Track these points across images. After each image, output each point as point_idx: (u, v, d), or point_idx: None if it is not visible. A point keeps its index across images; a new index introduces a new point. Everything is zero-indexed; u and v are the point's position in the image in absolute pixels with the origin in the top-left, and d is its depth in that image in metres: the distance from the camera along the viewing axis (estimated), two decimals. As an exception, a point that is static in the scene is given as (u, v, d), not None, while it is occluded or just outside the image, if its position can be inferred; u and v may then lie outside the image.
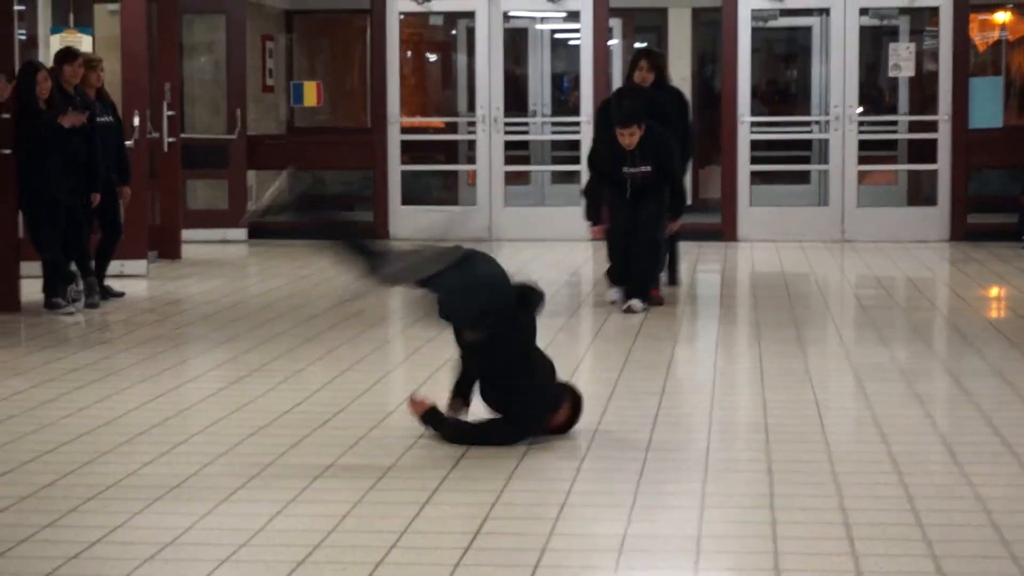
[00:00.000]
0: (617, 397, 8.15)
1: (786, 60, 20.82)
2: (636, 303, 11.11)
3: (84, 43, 14.07)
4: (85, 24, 14.69)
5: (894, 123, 17.76)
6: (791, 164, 17.80)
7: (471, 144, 17.24)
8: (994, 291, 12.65)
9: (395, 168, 16.81)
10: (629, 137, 11.02)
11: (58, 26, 14.41)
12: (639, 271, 11.26)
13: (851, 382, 8.60)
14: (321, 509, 5.92)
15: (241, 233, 16.57)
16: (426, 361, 9.24)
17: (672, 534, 5.68)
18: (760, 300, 12.05)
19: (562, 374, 8.73)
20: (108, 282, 12.11)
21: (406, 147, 17.02)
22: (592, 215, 11.42)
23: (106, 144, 11.87)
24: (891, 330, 10.49)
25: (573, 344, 9.80)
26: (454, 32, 19.88)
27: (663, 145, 11.17)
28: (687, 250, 15.29)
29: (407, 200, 16.93)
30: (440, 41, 20.79)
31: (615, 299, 11.34)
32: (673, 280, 12.70)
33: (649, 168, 11.10)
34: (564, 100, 19.62)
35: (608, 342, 10.01)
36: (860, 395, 8.18)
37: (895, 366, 9.06)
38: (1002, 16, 18.71)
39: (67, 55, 11.76)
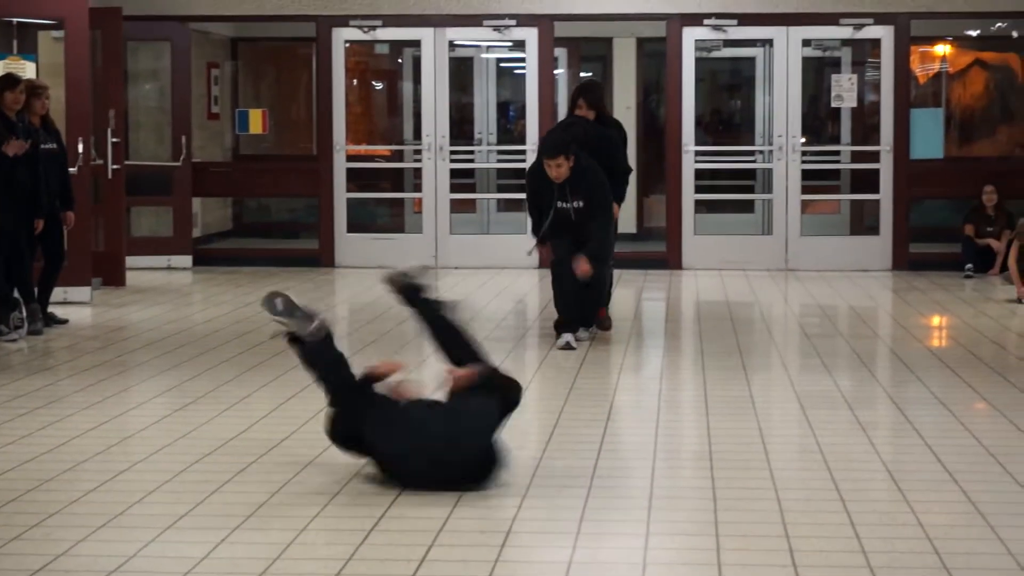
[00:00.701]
0: (562, 425, 8.15)
1: (730, 90, 20.93)
2: (582, 332, 11.10)
3: (28, 70, 14.00)
4: (29, 51, 14.61)
5: (837, 153, 17.90)
6: (735, 193, 17.90)
7: (417, 172, 17.25)
8: (936, 320, 12.74)
9: (341, 196, 16.80)
10: (556, 169, 10.72)
11: (1, 52, 14.33)
12: (589, 308, 11.21)
13: (795, 410, 8.64)
14: (266, 537, 5.89)
15: (185, 260, 16.52)
16: (371, 389, 9.20)
17: (617, 561, 5.69)
18: (705, 328, 12.10)
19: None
20: (51, 309, 12.04)
21: (352, 175, 17.02)
22: (538, 230, 11.11)
23: (50, 171, 11.82)
24: (834, 358, 10.54)
25: (518, 373, 9.77)
26: (400, 60, 19.90)
27: (594, 177, 10.91)
28: (632, 279, 15.38)
29: (352, 228, 16.91)
30: (386, 69, 20.81)
31: (571, 343, 10.78)
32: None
33: (582, 204, 10.85)
34: (510, 128, 19.66)
35: (553, 370, 10.02)
36: (804, 423, 8.22)
37: (839, 394, 9.11)
38: (942, 48, 18.91)
39: (8, 81, 11.69)
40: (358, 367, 9.93)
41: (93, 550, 5.71)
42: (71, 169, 12.57)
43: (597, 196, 10.91)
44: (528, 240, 11.66)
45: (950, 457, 7.27)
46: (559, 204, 10.87)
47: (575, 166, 10.80)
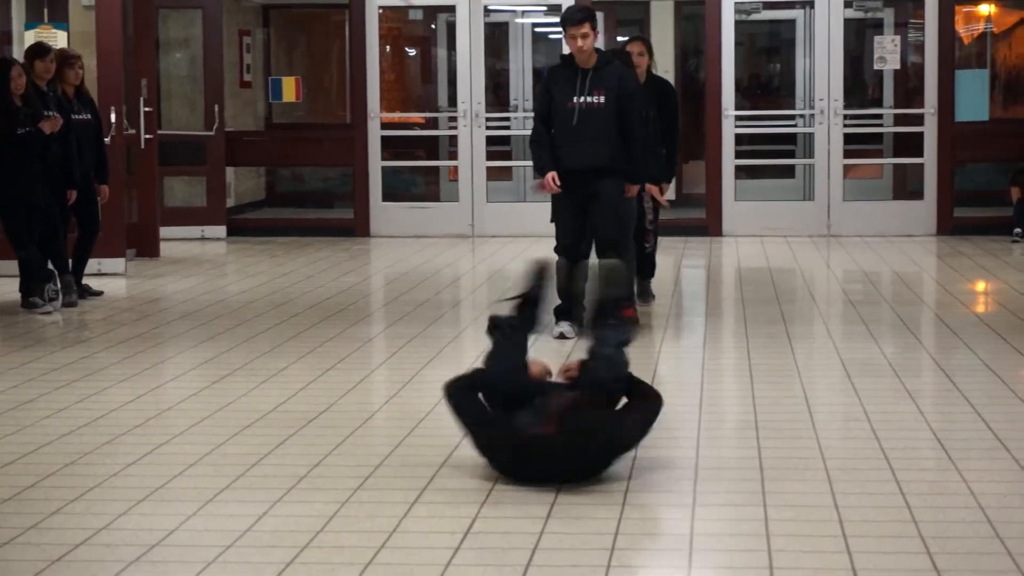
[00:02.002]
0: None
1: (769, 53, 20.83)
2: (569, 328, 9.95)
3: (59, 39, 14.02)
4: (60, 19, 14.62)
5: (879, 117, 17.80)
6: (776, 159, 17.82)
7: (452, 140, 17.23)
8: (982, 285, 12.67)
9: (375, 164, 16.79)
10: (583, 40, 9.53)
11: (32, 21, 14.35)
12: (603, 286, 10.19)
13: (840, 378, 8.61)
14: (308, 509, 5.91)
15: (219, 231, 16.55)
16: (409, 360, 9.23)
17: (664, 532, 5.68)
18: (746, 296, 12.06)
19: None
20: (86, 281, 12.08)
21: (386, 143, 17.01)
22: (543, 163, 9.87)
23: (84, 142, 11.84)
24: (879, 325, 10.50)
25: (556, 343, 9.78)
26: (433, 26, 19.86)
27: (627, 81, 9.78)
28: (671, 246, 15.34)
29: (387, 197, 16.91)
30: (419, 36, 20.76)
31: (565, 333, 9.90)
32: (644, 294, 11.42)
33: (603, 99, 9.63)
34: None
35: (574, 337, 9.95)
36: (850, 391, 8.19)
37: (884, 361, 9.07)
38: (987, 8, 18.75)
39: (38, 51, 11.73)
40: (395, 336, 9.99)
41: (135, 524, 5.74)
42: (105, 139, 12.59)
43: (625, 88, 9.70)
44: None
45: (1000, 424, 7.24)
46: (578, 99, 9.66)
47: (601, 57, 9.76)
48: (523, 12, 18.72)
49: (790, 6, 17.91)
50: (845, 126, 16.36)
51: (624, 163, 9.82)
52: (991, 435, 7.05)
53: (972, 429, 7.20)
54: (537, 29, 19.64)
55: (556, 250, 10.00)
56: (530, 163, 18.11)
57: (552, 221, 10.04)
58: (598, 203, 9.78)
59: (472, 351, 9.66)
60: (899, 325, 10.51)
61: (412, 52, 20.92)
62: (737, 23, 16.55)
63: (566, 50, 9.89)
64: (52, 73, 11.69)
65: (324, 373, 8.79)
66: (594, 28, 9.67)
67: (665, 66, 18.49)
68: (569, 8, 10.11)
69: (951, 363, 9.02)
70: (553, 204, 9.97)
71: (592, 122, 9.66)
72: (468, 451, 6.68)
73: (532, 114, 18.31)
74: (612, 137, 9.70)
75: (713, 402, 8.03)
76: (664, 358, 9.35)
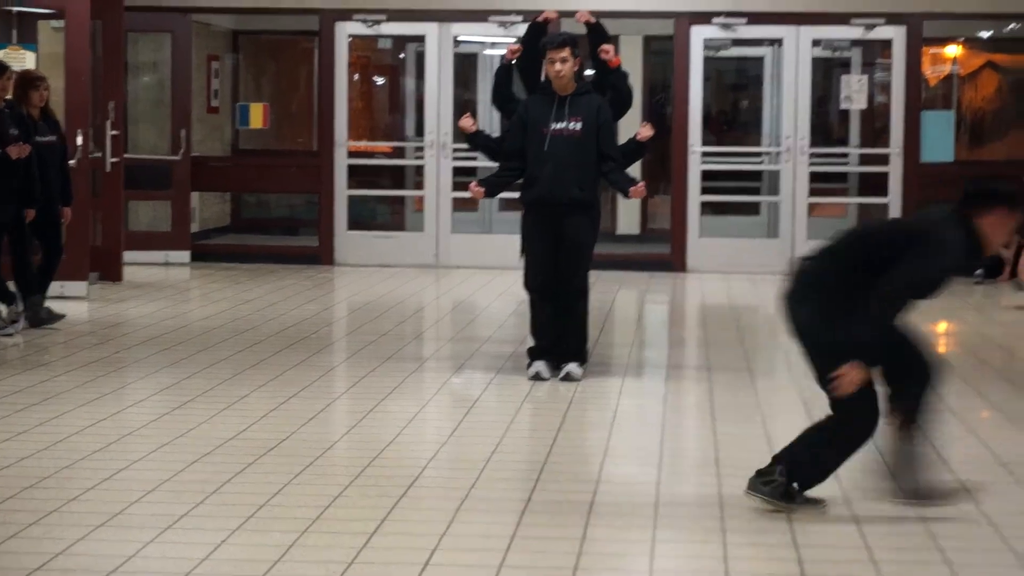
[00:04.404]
0: (566, 429, 8.16)
1: (736, 90, 20.93)
2: (574, 368, 9.66)
3: (28, 60, 13.98)
4: (29, 40, 14.60)
5: (845, 156, 17.89)
6: (741, 195, 17.89)
7: (418, 169, 17.24)
8: (945, 326, 12.74)
9: (341, 192, 16.79)
10: (561, 64, 9.47)
11: (1, 42, 14.32)
12: (571, 328, 9.69)
13: (802, 416, 8.62)
14: (267, 539, 5.90)
15: (183, 256, 16.51)
16: (370, 390, 9.23)
17: (624, 568, 5.69)
18: (710, 333, 12.10)
19: (508, 406, 8.77)
20: (48, 304, 12.01)
21: (352, 171, 17.01)
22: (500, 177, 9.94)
23: (49, 163, 11.80)
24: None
25: (519, 379, 9.78)
26: (402, 56, 19.89)
27: (604, 114, 9.60)
28: (635, 281, 15.38)
29: (353, 225, 16.91)
30: (388, 65, 20.79)
31: (540, 372, 9.64)
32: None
33: (579, 127, 9.50)
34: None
35: (550, 378, 9.96)
36: (811, 429, 8.21)
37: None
38: (953, 50, 18.91)
39: None
40: (358, 366, 9.98)
41: (92, 549, 5.72)
42: (70, 162, 12.55)
43: (606, 132, 9.58)
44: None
45: (960, 465, 7.28)
46: (554, 126, 9.55)
47: (581, 82, 9.68)
48: (492, 44, 18.76)
49: (758, 44, 18.00)
50: (811, 164, 16.45)
51: (595, 196, 9.76)
52: (951, 475, 7.08)
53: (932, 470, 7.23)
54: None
55: (526, 286, 9.87)
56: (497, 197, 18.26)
57: (522, 255, 9.92)
58: (565, 243, 9.64)
59: (433, 383, 9.68)
60: (861, 364, 10.53)
61: (380, 81, 20.95)
62: (705, 59, 16.63)
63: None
64: (8, 92, 11.65)
65: (286, 401, 8.78)
66: (575, 55, 9.56)
67: (633, 102, 18.52)
68: (552, 33, 10.13)
69: (912, 403, 9.04)
70: (523, 238, 9.90)
71: (566, 150, 9.53)
72: (428, 483, 6.69)
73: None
74: (586, 168, 9.59)
75: (675, 439, 8.06)
76: (626, 393, 9.36)
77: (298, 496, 6.59)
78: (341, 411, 8.82)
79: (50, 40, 15.08)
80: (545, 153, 9.57)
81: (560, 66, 9.53)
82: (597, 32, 10.43)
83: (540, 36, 10.29)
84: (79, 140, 13.33)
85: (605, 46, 10.13)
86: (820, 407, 8.77)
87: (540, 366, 9.67)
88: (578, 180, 9.56)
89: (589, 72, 10.28)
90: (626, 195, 9.76)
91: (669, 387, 9.57)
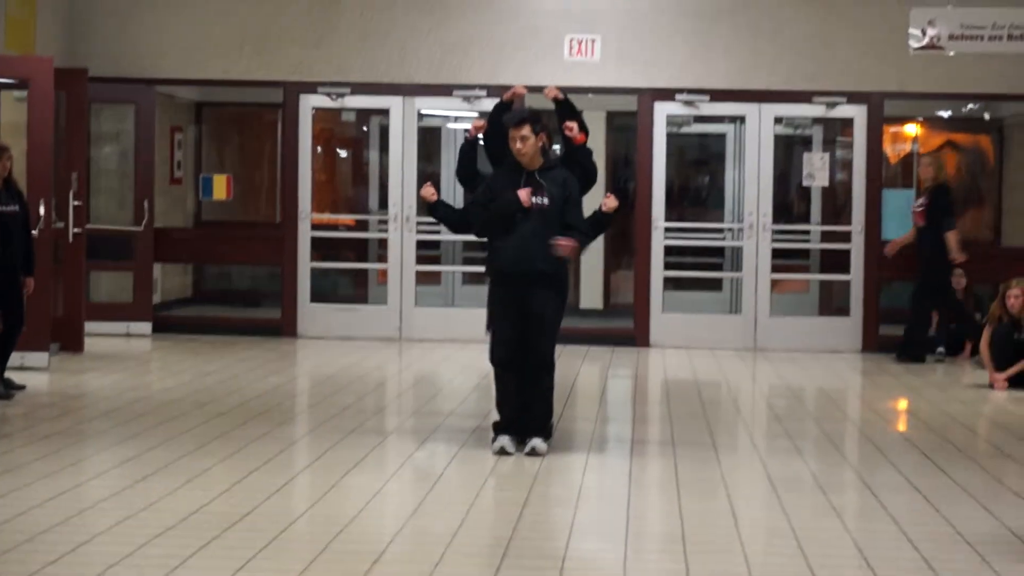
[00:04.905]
0: (531, 504, 8.14)
1: (699, 166, 21.05)
2: (539, 443, 9.60)
3: (-10, 129, 13.99)
4: (-9, 110, 14.62)
5: (807, 232, 17.99)
6: (703, 271, 17.95)
7: (382, 242, 17.26)
8: (907, 403, 12.79)
9: (305, 265, 16.78)
10: (523, 142, 9.50)
11: (-36, 111, 14.33)
12: (536, 403, 9.66)
13: (766, 492, 8.65)
14: (231, 614, 5.85)
15: (145, 327, 16.44)
16: (333, 464, 9.19)
17: (590, 646, 5.67)
18: (673, 408, 12.10)
19: (472, 482, 8.75)
20: (8, 374, 11.94)
21: (315, 244, 17.01)
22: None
23: (12, 233, 11.77)
24: (804, 441, 10.57)
25: (481, 454, 9.75)
26: (366, 128, 19.95)
27: (570, 186, 9.65)
28: (598, 356, 15.40)
29: (316, 298, 16.89)
30: (352, 137, 20.85)
31: (505, 447, 9.61)
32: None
33: (546, 200, 9.54)
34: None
35: (515, 453, 9.95)
36: (775, 506, 8.23)
37: (810, 477, 9.13)
38: (913, 129, 19.09)
39: None
40: (321, 439, 9.93)
41: (54, 625, 5.66)
42: (33, 231, 12.51)
43: (572, 206, 9.62)
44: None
45: (925, 544, 7.29)
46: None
47: (548, 157, 9.72)
48: (455, 118, 18.85)
49: (721, 120, 18.14)
50: (773, 241, 16.54)
51: (562, 270, 9.76)
52: (916, 554, 7.09)
53: (896, 547, 7.25)
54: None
55: (491, 360, 9.85)
56: (460, 267, 18.33)
57: (488, 328, 9.90)
58: (531, 316, 9.64)
59: (397, 458, 9.65)
60: (824, 441, 10.58)
61: (344, 153, 21.00)
62: (668, 135, 16.74)
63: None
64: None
65: (248, 475, 8.73)
66: (535, 131, 9.56)
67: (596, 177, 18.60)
68: (512, 110, 10.14)
69: (876, 480, 9.08)
70: (489, 310, 9.89)
71: (532, 223, 9.54)
72: (392, 559, 6.65)
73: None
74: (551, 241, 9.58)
75: (640, 515, 8.04)
76: (590, 469, 9.35)
77: (262, 572, 6.55)
78: (304, 485, 8.76)
79: (12, 109, 15.07)
80: (512, 226, 9.59)
81: (520, 144, 9.57)
82: (565, 107, 10.51)
83: (505, 113, 10.37)
84: (42, 210, 13.31)
85: (569, 123, 10.21)
86: (785, 483, 8.80)
87: (505, 440, 9.65)
88: (544, 253, 9.55)
89: (557, 146, 10.34)
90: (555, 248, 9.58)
91: (634, 462, 9.55)
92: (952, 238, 15.53)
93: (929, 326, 15.69)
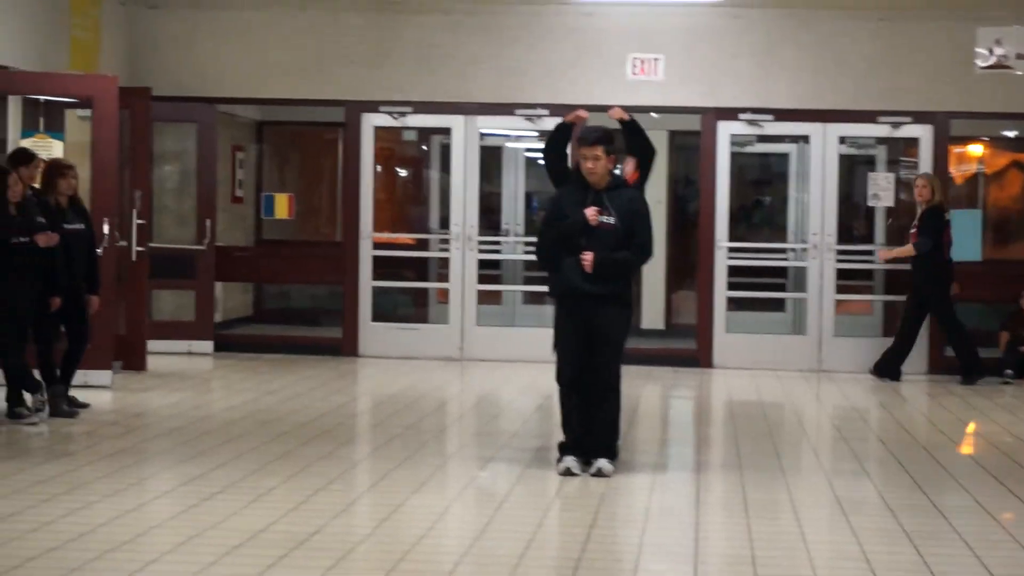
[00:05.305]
0: (598, 525, 8.09)
1: (760, 185, 20.97)
2: (605, 464, 9.56)
3: (55, 148, 14.07)
4: (56, 129, 14.70)
5: (870, 252, 17.83)
6: (767, 291, 17.84)
7: (443, 262, 17.25)
8: (974, 426, 12.66)
9: (366, 284, 16.79)
10: (594, 162, 9.45)
11: (29, 130, 14.42)
12: (601, 424, 9.64)
13: (835, 515, 8.57)
14: (300, 634, 5.84)
15: (206, 346, 16.49)
16: (396, 485, 9.17)
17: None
18: (739, 429, 12.02)
19: (537, 503, 8.73)
20: (72, 392, 11.99)
21: (376, 263, 16.99)
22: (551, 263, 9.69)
23: (77, 252, 11.83)
24: (872, 463, 10.48)
25: (545, 476, 9.69)
26: (426, 148, 19.98)
27: (637, 204, 9.67)
28: (661, 376, 15.33)
29: (376, 317, 16.89)
30: (412, 156, 20.88)
31: (570, 468, 9.56)
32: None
33: (613, 220, 9.50)
34: (535, 220, 19.70)
35: (580, 474, 9.89)
36: (845, 529, 8.15)
37: (878, 499, 9.04)
38: (979, 149, 18.94)
39: (21, 157, 11.82)
40: (384, 459, 9.91)
41: (123, 644, 5.66)
42: (98, 250, 12.58)
43: (639, 219, 9.59)
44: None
45: (1001, 569, 7.19)
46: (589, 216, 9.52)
47: (614, 176, 9.69)
48: (516, 137, 18.85)
49: (784, 140, 18.05)
50: (838, 261, 16.42)
51: (627, 290, 9.76)
52: (990, 579, 7.02)
53: (971, 571, 7.16)
54: (529, 154, 19.77)
55: (558, 380, 9.81)
56: (520, 287, 18.30)
57: (555, 348, 9.84)
58: (597, 337, 9.60)
59: (460, 479, 9.62)
60: (892, 463, 10.49)
61: (404, 173, 21.03)
62: (731, 154, 16.66)
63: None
64: (35, 180, 11.75)
65: (312, 495, 8.72)
66: (608, 153, 9.50)
67: (658, 196, 18.60)
68: (586, 127, 10.04)
69: (946, 503, 8.97)
70: (556, 330, 9.82)
71: (599, 243, 9.50)
72: (471, 572, 6.63)
73: (523, 239, 18.54)
74: None
75: (707, 536, 7.98)
76: (656, 489, 9.29)
77: (330, 591, 6.53)
78: (368, 506, 8.75)
79: (77, 128, 15.18)
80: (579, 247, 9.55)
81: (592, 164, 9.52)
82: (630, 128, 10.49)
83: (567, 135, 10.38)
84: (106, 228, 13.37)
85: (613, 109, 10.35)
86: (854, 505, 8.72)
87: (570, 461, 9.59)
88: (611, 321, 9.59)
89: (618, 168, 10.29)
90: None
91: (700, 483, 9.49)
92: (905, 252, 15.43)
93: (911, 345, 15.50)
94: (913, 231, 15.55)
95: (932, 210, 15.45)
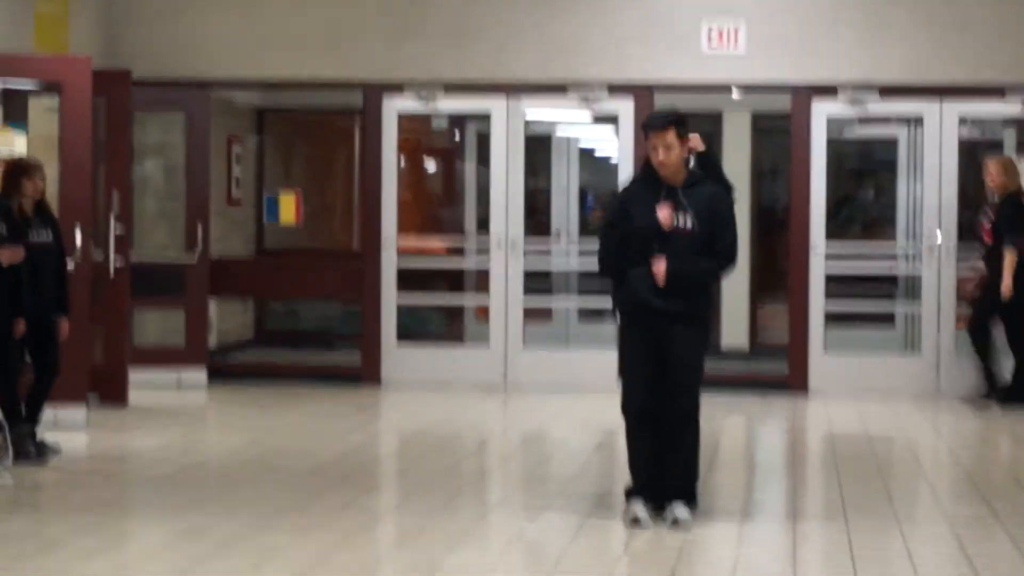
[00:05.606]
0: (674, 586, 8.05)
1: (861, 178, 20.91)
2: (682, 511, 9.50)
3: (17, 143, 14.11)
4: (18, 119, 14.74)
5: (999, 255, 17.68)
6: (873, 303, 17.74)
7: (481, 273, 17.23)
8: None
9: (390, 300, 16.77)
10: (665, 152, 9.38)
11: (-13, 121, 14.48)
12: (677, 463, 9.63)
13: (964, 573, 8.48)
14: None
15: (199, 375, 16.51)
16: (428, 542, 9.13)
17: None
18: (841, 467, 11.96)
19: (600, 560, 8.67)
20: (40, 433, 11.99)
21: (401, 275, 16.97)
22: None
23: (44, 267, 11.83)
24: (1005, 505, 10.37)
25: (608, 528, 9.64)
26: (458, 138, 19.99)
27: (719, 201, 9.62)
28: (746, 404, 15.29)
29: (402, 338, 16.87)
30: (442, 148, 20.90)
31: (640, 516, 9.49)
32: None
33: (690, 223, 9.44)
34: (590, 221, 19.69)
35: (651, 525, 9.83)
36: (976, 589, 8.08)
37: (1015, 552, 8.95)
38: None
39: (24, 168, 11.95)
40: (413, 510, 9.88)
41: None
42: (68, 265, 12.58)
43: (721, 221, 9.54)
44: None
45: None
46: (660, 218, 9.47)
47: (692, 170, 9.65)
48: (568, 123, 18.83)
49: (892, 122, 17.96)
50: (958, 267, 16.30)
51: (706, 305, 9.73)
52: None
53: None
54: (583, 145, 19.76)
55: (624, 411, 9.74)
56: (574, 302, 18.28)
57: (620, 375, 9.78)
58: (671, 360, 9.55)
59: (505, 533, 9.57)
60: (1029, 509, 10.42)
61: (434, 167, 21.05)
62: (828, 141, 16.59)
63: (625, 172, 9.82)
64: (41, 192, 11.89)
65: (328, 554, 8.70)
66: (682, 136, 9.44)
67: (739, 190, 18.48)
68: (654, 111, 10.00)
69: (1099, 558, 8.90)
70: (621, 352, 9.74)
71: (674, 250, 9.44)
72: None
73: (577, 244, 18.52)
74: None
75: (807, 599, 7.93)
76: (744, 543, 9.23)
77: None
78: (396, 567, 8.74)
79: (43, 120, 15.21)
80: (650, 254, 9.48)
81: (663, 153, 9.43)
82: (707, 162, 10.17)
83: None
84: (78, 238, 13.37)
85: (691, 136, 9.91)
86: (986, 559, 8.63)
87: (639, 508, 9.52)
88: (687, 288, 9.51)
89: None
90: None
91: (797, 535, 9.43)
92: (1009, 258, 15.20)
93: None
94: (988, 227, 15.44)
95: (1010, 198, 15.36)
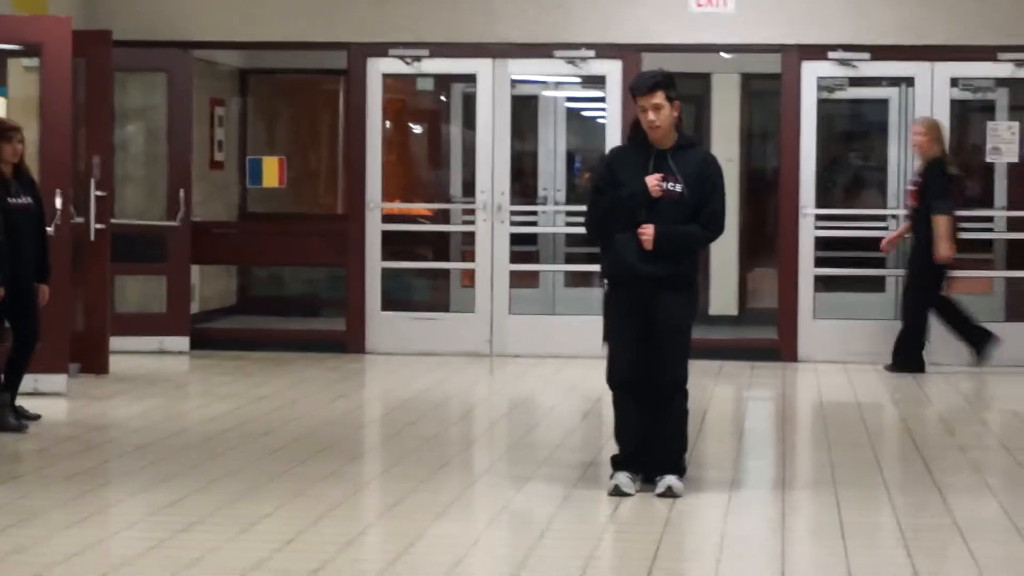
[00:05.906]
0: (662, 558, 8.04)
1: (854, 139, 20.88)
2: (674, 482, 9.45)
3: (-3, 105, 14.09)
4: (-3, 83, 14.73)
5: (989, 220, 17.70)
6: (863, 267, 17.73)
7: (467, 237, 17.21)
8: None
9: (374, 265, 16.76)
10: (655, 112, 9.29)
11: (-35, 85, 14.45)
12: (667, 432, 9.60)
13: (955, 542, 8.49)
14: None
15: (181, 342, 16.49)
16: (415, 510, 9.13)
17: None
18: (832, 437, 11.98)
19: (588, 531, 8.68)
20: (20, 402, 11.99)
21: (386, 239, 16.94)
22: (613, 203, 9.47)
23: (23, 232, 11.79)
24: (996, 475, 10.40)
25: (596, 499, 9.63)
26: (444, 99, 19.94)
27: (709, 166, 9.53)
28: (734, 373, 15.28)
29: (388, 305, 16.86)
30: (428, 109, 20.86)
31: (623, 488, 9.45)
32: None
33: (679, 188, 9.39)
34: (577, 184, 19.67)
35: (642, 493, 9.82)
36: (968, 560, 8.07)
37: (1007, 522, 8.95)
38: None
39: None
40: (399, 479, 9.88)
41: None
42: (48, 229, 12.55)
43: (710, 186, 9.45)
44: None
45: None
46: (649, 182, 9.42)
47: (682, 133, 9.60)
48: (556, 84, 18.79)
49: (883, 83, 17.94)
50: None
51: (693, 271, 9.70)
52: None
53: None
54: (571, 105, 19.71)
55: (609, 381, 9.74)
56: (561, 267, 18.27)
57: (606, 341, 9.78)
58: (660, 328, 9.51)
59: (492, 502, 9.57)
60: (1021, 476, 10.41)
61: (419, 129, 21.00)
62: (818, 101, 16.57)
63: (612, 134, 9.82)
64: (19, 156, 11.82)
65: (314, 523, 8.69)
66: (671, 99, 9.37)
67: (728, 153, 18.53)
68: (641, 73, 9.97)
69: (1090, 527, 8.91)
70: (606, 320, 9.75)
71: (663, 216, 9.41)
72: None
73: (564, 208, 18.50)
74: None
75: (797, 570, 7.92)
76: (733, 512, 9.23)
77: (335, 643, 6.50)
78: (381, 536, 8.73)
79: (22, 80, 15.18)
80: (638, 222, 9.43)
81: (653, 115, 9.37)
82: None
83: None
84: (58, 203, 13.33)
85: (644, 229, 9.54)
86: (976, 529, 8.63)
87: (625, 479, 9.51)
88: (676, 302, 9.51)
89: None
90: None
91: (786, 504, 9.44)
92: (942, 224, 15.24)
93: (925, 326, 15.52)
94: (913, 189, 15.51)
95: (935, 163, 15.37)
